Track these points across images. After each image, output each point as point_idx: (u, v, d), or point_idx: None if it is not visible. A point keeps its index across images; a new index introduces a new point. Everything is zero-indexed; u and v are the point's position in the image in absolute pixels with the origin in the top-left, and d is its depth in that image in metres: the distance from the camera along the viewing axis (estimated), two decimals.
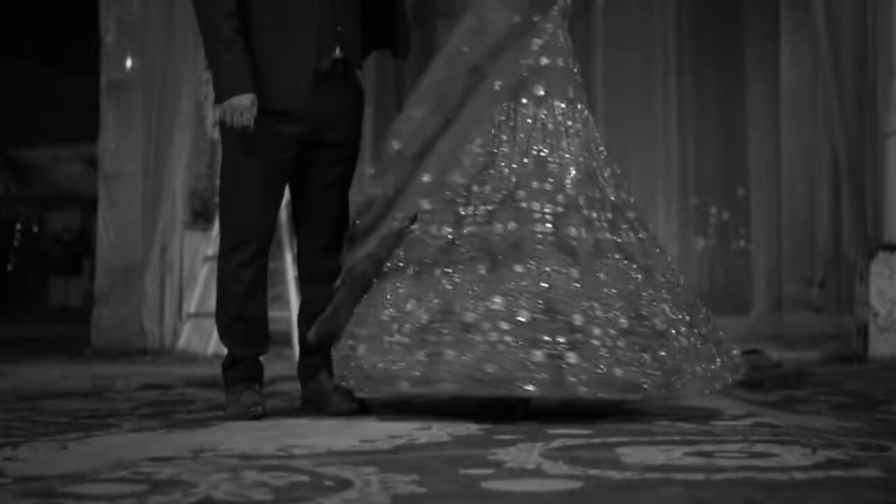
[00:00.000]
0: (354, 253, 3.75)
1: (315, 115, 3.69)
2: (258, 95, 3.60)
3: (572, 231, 3.62)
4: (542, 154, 3.71)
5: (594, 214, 3.69)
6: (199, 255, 7.41)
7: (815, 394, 4.79)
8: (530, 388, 3.37)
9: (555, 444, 3.02)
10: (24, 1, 18.45)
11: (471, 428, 3.39)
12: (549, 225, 3.60)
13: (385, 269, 3.70)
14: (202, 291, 7.26)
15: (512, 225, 3.60)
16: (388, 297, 3.64)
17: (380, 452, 2.89)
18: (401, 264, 3.68)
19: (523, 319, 3.45)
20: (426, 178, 3.70)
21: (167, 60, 7.03)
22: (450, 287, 3.55)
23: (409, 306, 3.57)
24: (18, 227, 19.43)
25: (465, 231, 3.63)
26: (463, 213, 3.66)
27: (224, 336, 3.77)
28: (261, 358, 3.85)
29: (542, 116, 3.73)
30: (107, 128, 7.24)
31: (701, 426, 3.45)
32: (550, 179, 3.67)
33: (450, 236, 3.64)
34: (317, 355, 3.84)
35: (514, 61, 3.74)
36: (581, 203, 3.67)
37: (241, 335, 3.73)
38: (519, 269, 3.53)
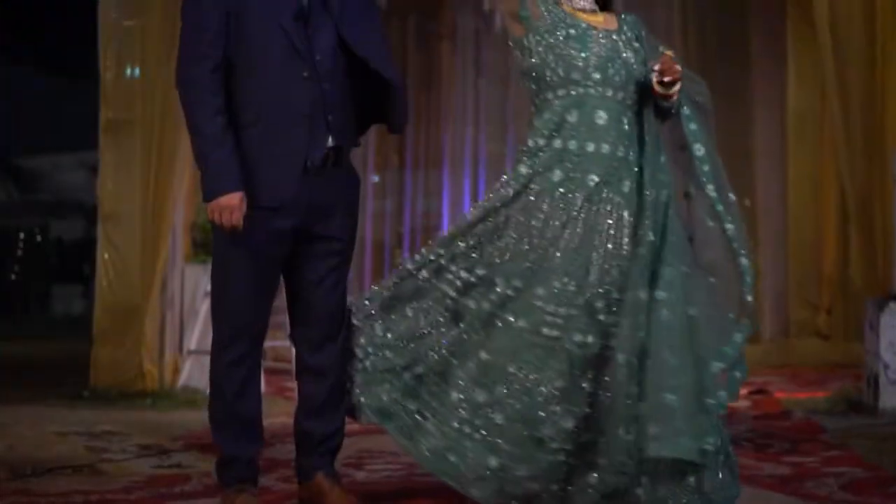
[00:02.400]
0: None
1: (307, 207, 3.58)
2: (248, 191, 3.49)
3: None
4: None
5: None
6: (200, 289, 7.31)
7: (825, 462, 4.70)
8: None
9: None
10: (25, 8, 18.39)
11: None
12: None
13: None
14: (203, 328, 7.17)
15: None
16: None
17: None
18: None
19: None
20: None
21: (167, 98, 6.90)
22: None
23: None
24: (22, 235, 19.35)
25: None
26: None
27: (217, 433, 3.66)
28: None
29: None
30: (106, 167, 7.10)
31: None
32: None
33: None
34: (314, 455, 3.74)
35: None
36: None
37: (234, 434, 3.63)
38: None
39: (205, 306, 7.15)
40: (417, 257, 3.70)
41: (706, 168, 3.62)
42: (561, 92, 3.59)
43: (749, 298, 3.57)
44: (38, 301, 19.40)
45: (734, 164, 10.07)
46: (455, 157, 10.15)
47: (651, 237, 3.46)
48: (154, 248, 7.01)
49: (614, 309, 3.43)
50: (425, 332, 3.61)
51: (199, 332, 7.28)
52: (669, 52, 3.62)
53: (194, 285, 7.46)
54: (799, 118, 9.62)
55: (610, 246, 3.49)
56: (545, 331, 3.42)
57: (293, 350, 3.89)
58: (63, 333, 13.71)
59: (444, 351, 3.57)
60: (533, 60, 3.62)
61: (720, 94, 9.70)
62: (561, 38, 3.60)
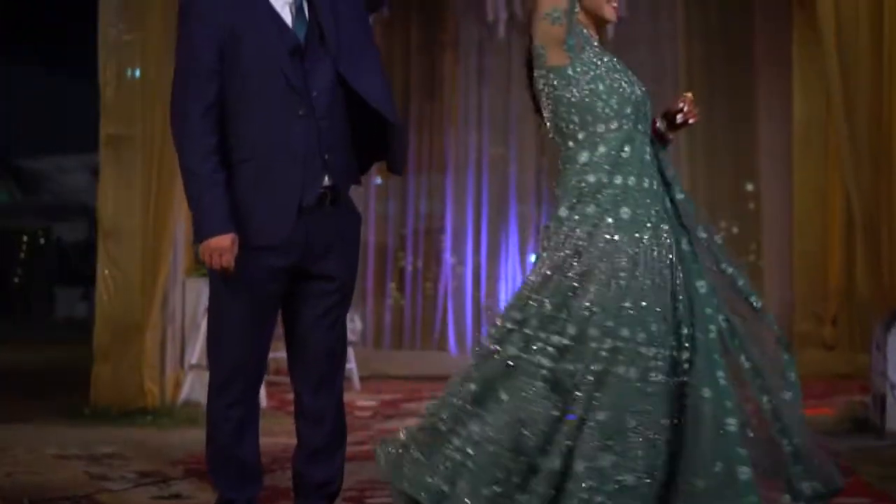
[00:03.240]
0: None
1: (303, 247, 3.51)
2: (241, 231, 3.44)
3: None
4: None
5: None
6: (201, 303, 7.27)
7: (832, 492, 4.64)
8: None
9: None
10: (30, 7, 18.38)
11: None
12: None
13: None
14: (205, 342, 7.11)
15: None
16: None
17: None
18: None
19: None
20: None
21: (168, 112, 6.83)
22: None
23: None
24: (24, 238, 19.32)
25: None
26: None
27: (215, 476, 3.61)
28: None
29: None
30: (106, 183, 7.03)
31: None
32: None
33: None
34: (311, 499, 3.68)
35: None
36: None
37: (231, 476, 3.58)
38: None
39: (206, 321, 7.11)
40: (493, 332, 3.43)
41: (692, 210, 3.54)
42: (613, 125, 3.43)
43: (779, 331, 3.55)
44: (41, 304, 19.39)
45: (739, 173, 10.10)
46: (458, 161, 10.14)
47: (710, 277, 3.45)
48: (155, 265, 6.96)
49: (686, 345, 3.34)
50: (528, 413, 3.29)
51: (200, 347, 7.24)
52: (689, 95, 3.55)
53: (196, 299, 7.42)
54: (804, 127, 9.55)
55: (677, 282, 3.41)
56: (653, 376, 3.29)
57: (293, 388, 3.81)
58: (66, 337, 13.69)
59: (557, 428, 3.29)
60: (582, 91, 3.43)
61: (725, 102, 9.79)
62: (609, 69, 3.47)
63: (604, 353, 3.27)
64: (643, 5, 9.67)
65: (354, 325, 8.89)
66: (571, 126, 3.48)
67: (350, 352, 8.99)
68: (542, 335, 3.33)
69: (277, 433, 5.73)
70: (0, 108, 19.57)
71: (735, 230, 10.16)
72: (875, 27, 6.48)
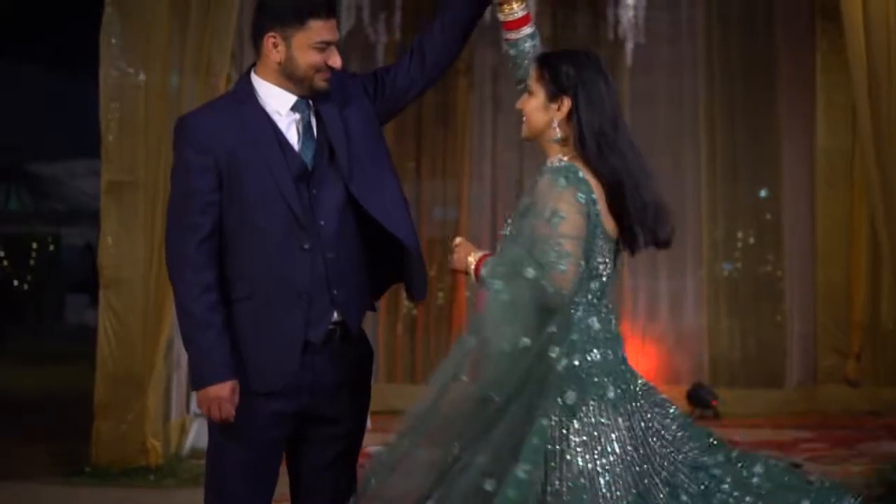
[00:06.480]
0: None
1: (310, 389, 3.21)
2: (240, 375, 3.15)
3: None
4: None
5: None
6: None
7: None
8: None
9: None
10: (37, 9, 18.18)
11: None
12: None
13: None
14: None
15: None
16: None
17: None
18: None
19: None
20: None
21: (171, 159, 6.57)
22: None
23: None
24: (34, 245, 19.11)
25: None
26: None
27: None
28: None
29: None
30: (108, 230, 6.74)
31: None
32: None
33: None
34: None
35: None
36: None
37: None
38: None
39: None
40: None
41: None
42: None
43: None
44: (52, 311, 19.20)
45: (759, 202, 9.82)
46: (472, 186, 9.97)
47: None
48: (157, 316, 6.70)
49: None
50: None
51: None
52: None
53: None
54: (828, 154, 9.30)
55: None
56: None
57: None
58: (75, 349, 13.48)
59: None
60: None
61: (746, 127, 9.52)
62: None
63: None
64: (663, 30, 9.42)
65: None
66: None
67: None
68: None
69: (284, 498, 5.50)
70: (9, 113, 19.39)
71: (755, 256, 9.91)
72: None
